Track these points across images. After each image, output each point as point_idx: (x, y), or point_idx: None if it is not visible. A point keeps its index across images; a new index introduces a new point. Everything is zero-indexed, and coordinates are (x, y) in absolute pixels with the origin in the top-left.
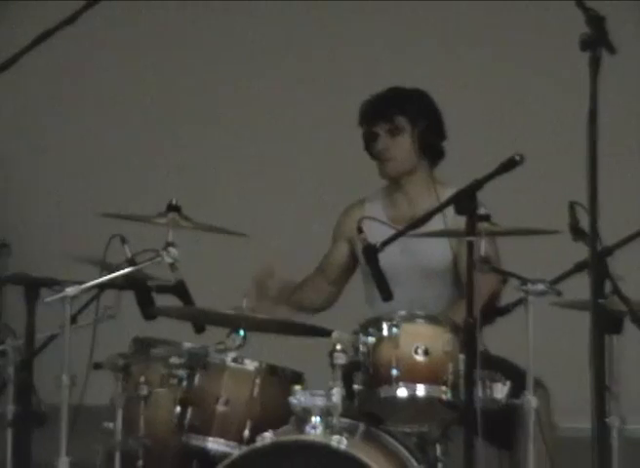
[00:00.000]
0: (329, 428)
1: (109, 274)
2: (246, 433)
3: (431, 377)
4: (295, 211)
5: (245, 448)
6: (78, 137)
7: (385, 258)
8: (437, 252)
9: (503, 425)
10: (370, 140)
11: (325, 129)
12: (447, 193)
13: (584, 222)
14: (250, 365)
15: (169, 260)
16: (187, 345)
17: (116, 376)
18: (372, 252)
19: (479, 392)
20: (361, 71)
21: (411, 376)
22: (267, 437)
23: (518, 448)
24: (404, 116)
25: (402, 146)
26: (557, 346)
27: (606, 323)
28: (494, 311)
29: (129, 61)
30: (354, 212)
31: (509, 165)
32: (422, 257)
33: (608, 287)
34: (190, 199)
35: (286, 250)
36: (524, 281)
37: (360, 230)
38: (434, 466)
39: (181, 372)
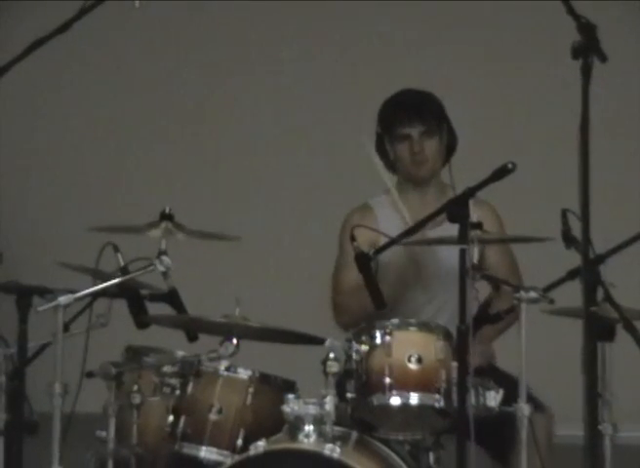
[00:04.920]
0: (322, 436)
1: (102, 282)
2: (239, 442)
3: (424, 385)
4: (288, 219)
5: (238, 457)
6: (69, 145)
7: (409, 264)
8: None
9: (497, 433)
10: (397, 142)
11: (319, 133)
12: None
13: (577, 230)
14: (243, 373)
15: (161, 269)
16: (180, 354)
17: (109, 385)
18: (364, 259)
19: (472, 400)
20: (356, 75)
21: (404, 384)
22: (260, 445)
23: (511, 456)
24: (435, 119)
25: (434, 148)
26: (550, 353)
27: (598, 330)
28: (486, 318)
29: (120, 70)
30: (365, 218)
31: (502, 173)
32: (447, 261)
33: (600, 294)
34: (183, 207)
35: (279, 258)
36: (516, 288)
37: (353, 238)
38: None
39: (174, 381)
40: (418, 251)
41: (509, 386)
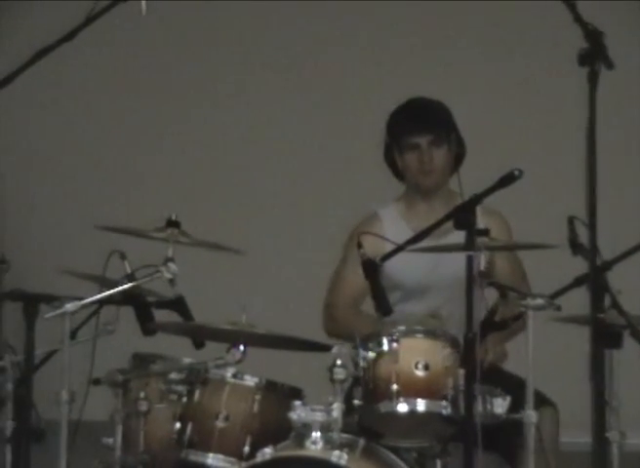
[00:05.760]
0: (329, 443)
1: (109, 290)
2: (246, 449)
3: (431, 392)
4: (294, 226)
5: (245, 464)
6: (76, 152)
7: (417, 271)
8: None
9: (504, 439)
10: (406, 152)
11: (324, 142)
12: None
13: (584, 237)
14: (250, 380)
15: (168, 276)
16: (187, 361)
17: (115, 392)
18: (372, 267)
19: (479, 407)
20: (359, 84)
21: (411, 391)
22: (267, 452)
23: (520, 460)
24: (444, 128)
25: (443, 158)
26: (557, 360)
27: (605, 337)
28: (492, 325)
29: (125, 75)
30: (372, 228)
31: (508, 179)
32: (454, 269)
33: (607, 301)
34: (189, 214)
35: (286, 265)
36: (523, 295)
37: (360, 245)
38: None
39: (181, 388)
40: (423, 262)
41: (517, 389)
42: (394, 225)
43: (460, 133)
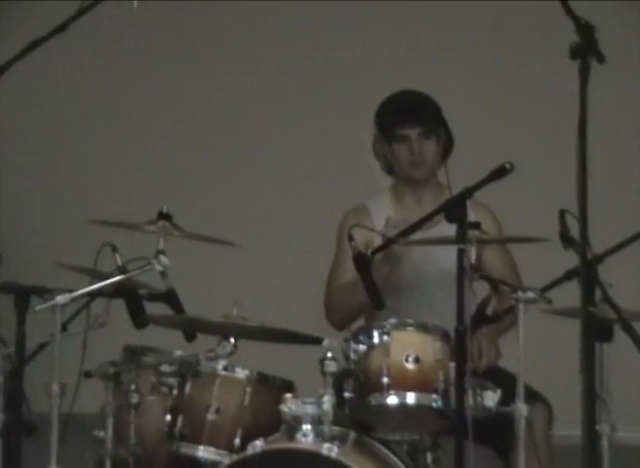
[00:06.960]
0: (320, 436)
1: (100, 282)
2: (237, 441)
3: (422, 385)
4: (286, 219)
5: (235, 457)
6: (68, 146)
7: (405, 265)
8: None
9: (496, 433)
10: (395, 144)
11: (317, 136)
12: None
13: (575, 230)
14: (241, 373)
15: (159, 268)
16: (178, 353)
17: (106, 385)
18: (363, 260)
19: (470, 400)
20: (356, 80)
21: (401, 384)
22: (258, 445)
23: (512, 454)
24: (433, 120)
25: (432, 150)
26: (548, 354)
27: (596, 330)
28: (484, 319)
29: (119, 69)
30: (361, 218)
31: (500, 173)
32: (443, 262)
33: (598, 294)
34: (181, 207)
35: (278, 258)
36: (514, 288)
37: (351, 238)
38: None
39: (172, 381)
40: (414, 255)
41: (509, 384)
42: (383, 217)
43: (448, 125)
